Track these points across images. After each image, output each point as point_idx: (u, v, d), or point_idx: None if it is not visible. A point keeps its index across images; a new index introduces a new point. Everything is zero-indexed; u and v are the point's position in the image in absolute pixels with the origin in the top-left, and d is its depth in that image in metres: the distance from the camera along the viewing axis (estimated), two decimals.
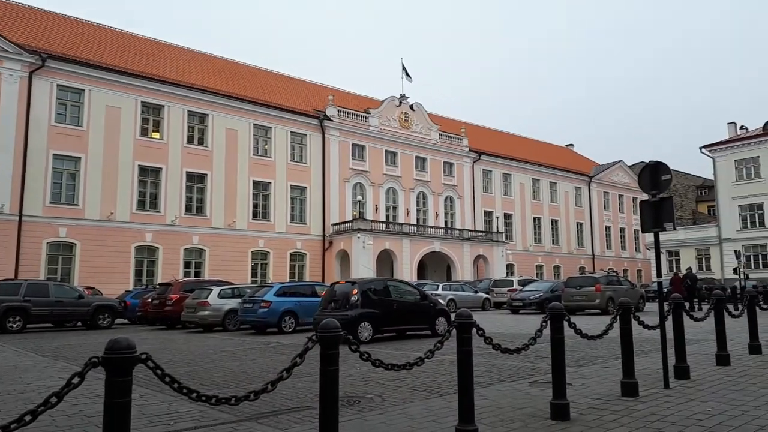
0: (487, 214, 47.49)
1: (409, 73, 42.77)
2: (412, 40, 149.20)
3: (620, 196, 58.58)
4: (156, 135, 31.12)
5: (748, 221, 43.28)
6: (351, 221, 36.11)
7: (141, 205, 30.04)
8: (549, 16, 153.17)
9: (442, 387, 6.49)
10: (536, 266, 50.35)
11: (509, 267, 46.39)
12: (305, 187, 36.93)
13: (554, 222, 52.90)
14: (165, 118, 31.43)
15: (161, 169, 30.91)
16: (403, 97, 42.81)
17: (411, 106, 43.27)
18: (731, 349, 7.76)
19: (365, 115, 40.42)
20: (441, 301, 16.48)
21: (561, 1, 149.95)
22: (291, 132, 36.67)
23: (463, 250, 40.95)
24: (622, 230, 58.75)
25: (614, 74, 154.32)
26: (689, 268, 30.91)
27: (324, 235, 37.07)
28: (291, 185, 36.26)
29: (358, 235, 34.49)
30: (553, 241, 52.47)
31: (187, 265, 31.36)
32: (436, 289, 25.87)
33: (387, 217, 40.15)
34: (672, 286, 24.56)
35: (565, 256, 53.07)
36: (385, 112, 41.69)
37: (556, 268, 51.83)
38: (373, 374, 7.48)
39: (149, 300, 19.79)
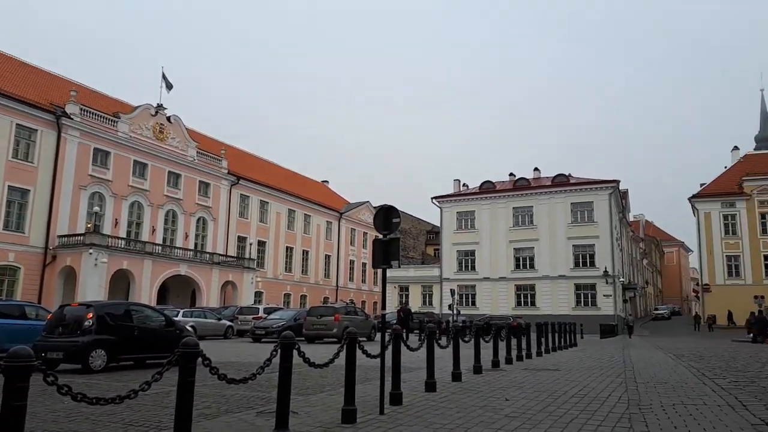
0: (241, 240, 46.83)
1: (170, 83, 40.39)
2: (177, 50, 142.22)
3: (365, 234, 63.22)
4: None
5: (463, 265, 50.42)
6: (83, 234, 32.12)
7: None
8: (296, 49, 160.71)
9: (163, 421, 6.05)
10: (285, 294, 51.08)
11: (258, 294, 46.19)
12: (28, 190, 31.85)
13: (305, 252, 54.56)
14: None
15: None
16: (160, 107, 40.22)
17: (168, 118, 40.85)
18: (439, 377, 8.81)
19: (114, 119, 36.83)
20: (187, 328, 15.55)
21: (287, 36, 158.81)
22: (17, 124, 31.46)
23: (212, 275, 39.55)
24: (364, 264, 63.21)
25: (374, 121, 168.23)
26: (404, 303, 34.74)
27: (47, 248, 32.25)
28: (9, 186, 30.92)
29: (91, 250, 30.82)
30: (303, 270, 53.98)
31: None
32: (176, 316, 24.31)
33: (128, 233, 36.79)
34: (402, 316, 27.36)
35: (313, 285, 54.96)
36: (138, 120, 38.59)
37: (303, 297, 53.30)
38: (85, 409, 6.63)
39: None
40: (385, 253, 6.65)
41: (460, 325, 22.49)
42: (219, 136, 52.44)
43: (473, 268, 49.88)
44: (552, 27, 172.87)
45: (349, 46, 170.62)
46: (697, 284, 59.27)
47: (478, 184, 53.32)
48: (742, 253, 51.07)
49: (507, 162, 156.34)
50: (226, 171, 45.31)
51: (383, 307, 6.85)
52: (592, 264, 45.44)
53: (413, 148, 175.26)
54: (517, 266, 48.30)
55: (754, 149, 61.72)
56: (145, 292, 33.89)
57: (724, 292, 49.90)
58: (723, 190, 52.55)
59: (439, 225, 54.03)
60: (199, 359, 4.09)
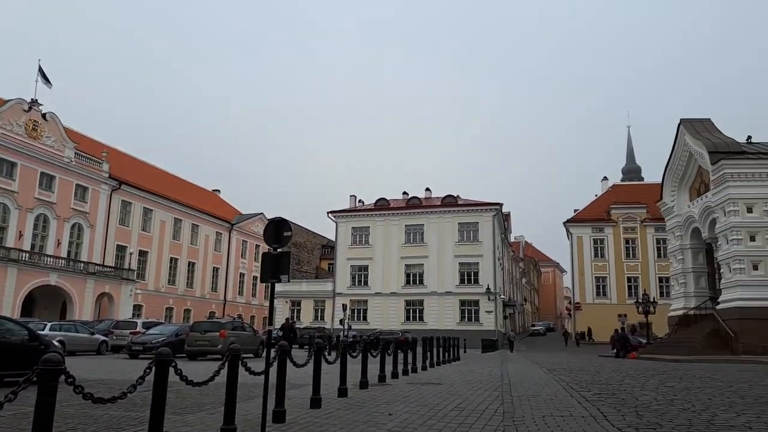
0: (121, 249, 43.96)
1: (48, 79, 37.28)
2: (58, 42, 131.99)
3: (257, 246, 61.76)
4: None
5: (357, 280, 50.75)
6: None
7: None
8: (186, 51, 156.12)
9: None
10: (167, 308, 48.48)
11: (137, 308, 43.48)
12: None
13: (191, 264, 52.24)
14: None
15: None
16: (34, 102, 36.99)
17: (44, 115, 37.67)
18: (325, 392, 8.75)
19: None
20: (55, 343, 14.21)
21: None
22: None
23: (86, 286, 36.72)
24: (255, 278, 61.64)
25: (273, 133, 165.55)
26: (288, 318, 34.40)
27: None
28: None
29: None
30: (188, 283, 51.57)
31: None
32: (42, 329, 22.22)
33: None
34: (282, 333, 27.11)
35: (198, 299, 52.65)
36: (8, 115, 35.25)
37: (188, 311, 50.87)
38: None
39: None
40: (274, 267, 6.53)
41: (350, 340, 22.55)
42: (104, 139, 49.04)
43: (366, 283, 50.35)
44: (437, 57, 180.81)
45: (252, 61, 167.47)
46: (570, 302, 63.97)
47: (374, 201, 54.14)
48: (608, 274, 55.84)
49: (401, 181, 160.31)
50: (107, 175, 42.45)
51: (270, 323, 6.71)
52: (476, 281, 47.56)
53: (311, 164, 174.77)
54: (408, 282, 49.42)
55: (621, 180, 68.06)
56: (7, 303, 30.74)
57: (593, 311, 54.20)
58: (593, 217, 57.34)
59: (334, 240, 54.06)
60: (63, 377, 3.76)
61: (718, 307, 27.15)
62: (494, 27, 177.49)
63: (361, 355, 11.22)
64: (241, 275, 60.06)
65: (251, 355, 22.13)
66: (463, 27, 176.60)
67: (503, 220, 56.07)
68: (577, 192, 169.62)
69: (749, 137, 29.25)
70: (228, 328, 22.05)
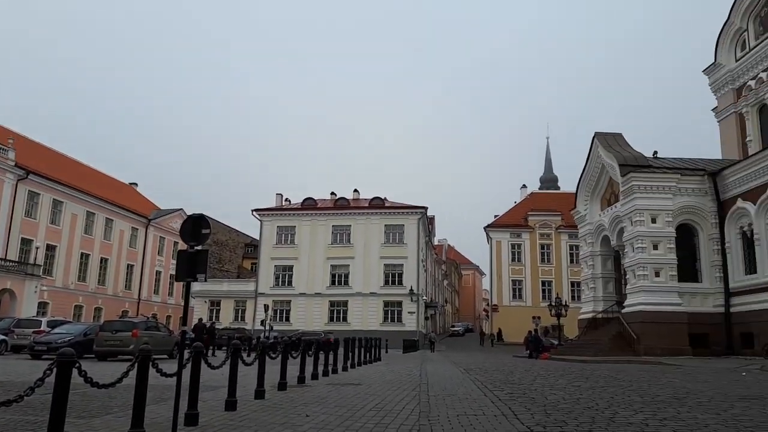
0: (26, 242, 41.12)
1: None
2: None
3: (176, 243, 59.56)
4: None
5: (280, 280, 50.05)
6: None
7: None
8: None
9: None
10: (76, 306, 45.83)
11: (42, 305, 40.83)
12: None
13: (104, 261, 49.67)
14: None
15: None
16: None
17: None
18: (241, 394, 8.57)
19: None
20: None
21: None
22: None
23: None
24: (172, 276, 59.39)
25: (198, 127, 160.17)
26: (201, 319, 33.37)
27: None
28: None
29: None
30: (99, 281, 48.96)
31: None
32: None
33: None
34: (194, 334, 26.39)
35: (111, 297, 50.12)
36: None
37: (98, 309, 48.31)
38: None
39: None
40: (190, 266, 6.32)
41: (271, 341, 22.20)
42: (9, 124, 45.57)
43: (290, 283, 49.75)
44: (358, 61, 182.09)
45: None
46: (488, 304, 66.09)
47: (301, 201, 53.60)
48: (524, 278, 58.15)
49: (329, 181, 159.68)
50: (13, 163, 39.57)
51: (184, 323, 6.49)
52: (400, 282, 48.18)
53: (237, 159, 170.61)
54: (333, 283, 49.29)
55: (539, 188, 71.03)
56: None
57: (509, 312, 56.26)
58: (512, 222, 59.56)
59: (258, 238, 53.02)
60: None
61: (623, 310, 28.88)
62: (425, 32, 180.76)
63: (280, 356, 11.08)
64: (158, 273, 57.72)
65: (165, 357, 21.31)
66: (394, 29, 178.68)
67: (428, 223, 57.13)
68: (498, 198, 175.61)
69: (655, 152, 31.35)
70: (141, 327, 21.13)
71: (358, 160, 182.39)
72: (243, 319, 49.65)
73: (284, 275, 50.09)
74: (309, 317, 48.06)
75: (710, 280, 27.50)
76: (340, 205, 51.98)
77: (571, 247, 55.90)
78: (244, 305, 50.55)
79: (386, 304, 48.19)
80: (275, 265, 50.23)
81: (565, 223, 55.12)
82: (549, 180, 75.09)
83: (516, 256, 58.61)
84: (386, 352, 31.53)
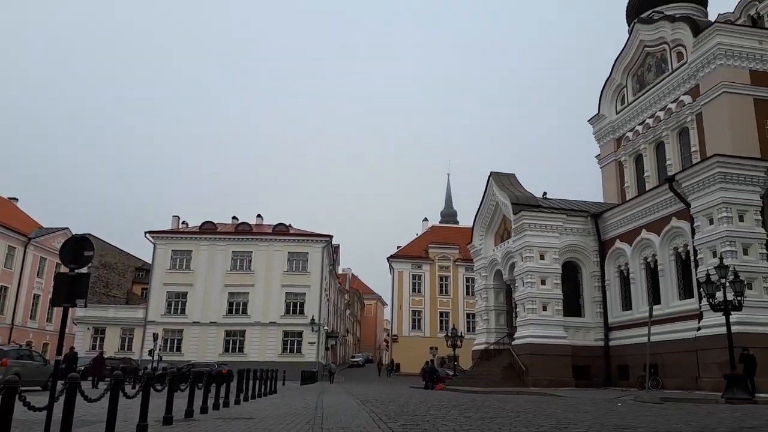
0: None
1: None
2: None
3: (58, 264, 55.10)
4: None
5: (173, 307, 47.61)
6: None
7: None
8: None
9: None
10: None
11: None
12: None
13: None
14: None
15: None
16: None
17: None
18: (123, 429, 8.05)
19: None
20: None
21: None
22: None
23: None
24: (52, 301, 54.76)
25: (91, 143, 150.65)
26: (72, 347, 31.01)
27: None
28: None
29: None
30: None
31: None
32: None
33: None
34: (93, 366, 24.47)
35: None
36: None
37: None
38: None
39: None
40: (70, 290, 5.94)
41: (158, 372, 21.00)
42: None
43: (183, 311, 47.44)
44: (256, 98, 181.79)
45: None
46: (389, 334, 66.67)
47: (200, 224, 51.67)
48: (424, 308, 59.42)
49: (231, 205, 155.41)
50: None
51: (59, 352, 6.05)
52: (302, 312, 47.44)
53: (132, 179, 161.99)
54: (230, 311, 47.59)
55: (440, 222, 73.48)
56: None
57: (409, 343, 57.05)
58: (413, 254, 60.96)
59: (151, 262, 50.29)
60: None
61: (513, 342, 30.23)
62: (334, 60, 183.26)
63: (167, 388, 10.53)
64: (36, 297, 53.00)
65: (39, 388, 19.52)
66: (297, 56, 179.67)
67: (333, 251, 57.02)
68: (402, 230, 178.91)
69: (545, 193, 33.55)
70: (12, 356, 19.27)
71: (264, 185, 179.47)
72: (130, 348, 46.51)
73: (177, 302, 47.72)
74: (202, 347, 45.95)
75: (592, 315, 29.52)
76: (241, 230, 50.67)
77: (467, 280, 57.90)
78: (131, 333, 47.43)
79: (286, 334, 47.16)
80: (168, 291, 47.77)
81: (462, 256, 57.13)
82: (449, 214, 77.90)
83: (417, 287, 59.81)
84: (283, 384, 30.76)
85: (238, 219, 53.17)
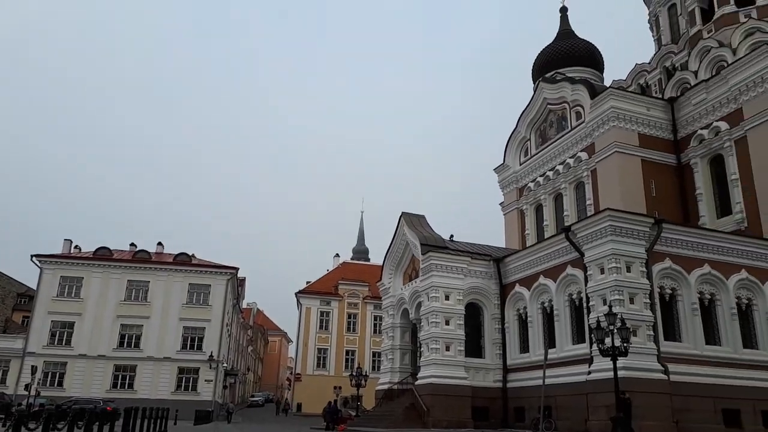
0: None
1: None
2: None
3: None
4: None
5: (57, 338, 43.94)
6: None
7: None
8: None
9: None
10: None
11: None
12: None
13: None
14: None
15: None
16: None
17: None
18: None
19: None
20: None
21: None
22: None
23: None
24: None
25: None
26: None
27: None
28: None
29: None
30: None
31: None
32: None
33: None
34: None
35: None
36: None
37: None
38: None
39: None
40: None
41: (34, 408, 19.15)
42: None
43: (69, 342, 43.82)
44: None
45: None
46: (291, 373, 65.00)
47: (93, 249, 48.43)
48: (330, 346, 58.64)
49: (130, 232, 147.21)
50: None
51: None
52: (200, 348, 45.26)
53: (21, 198, 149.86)
54: (122, 344, 44.53)
55: (351, 258, 73.53)
56: None
57: (312, 382, 55.87)
58: (323, 290, 60.42)
59: (35, 288, 46.26)
60: None
61: (416, 383, 30.35)
62: (248, 97, 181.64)
63: (41, 427, 9.60)
64: None
65: None
66: (213, 94, 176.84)
67: (237, 284, 55.19)
68: (313, 265, 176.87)
69: (452, 236, 34.52)
70: None
71: (167, 215, 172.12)
72: (4, 382, 42.13)
73: (63, 333, 44.02)
74: (88, 382, 42.45)
75: (492, 357, 30.30)
76: (139, 258, 47.96)
77: (375, 318, 57.93)
78: (7, 365, 43.01)
79: (181, 370, 44.64)
80: (53, 321, 44.04)
81: (371, 294, 57.25)
82: (360, 251, 78.20)
83: (324, 324, 58.99)
84: (175, 423, 28.95)
85: (136, 246, 50.40)
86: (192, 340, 45.51)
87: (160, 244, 51.75)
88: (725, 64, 30.11)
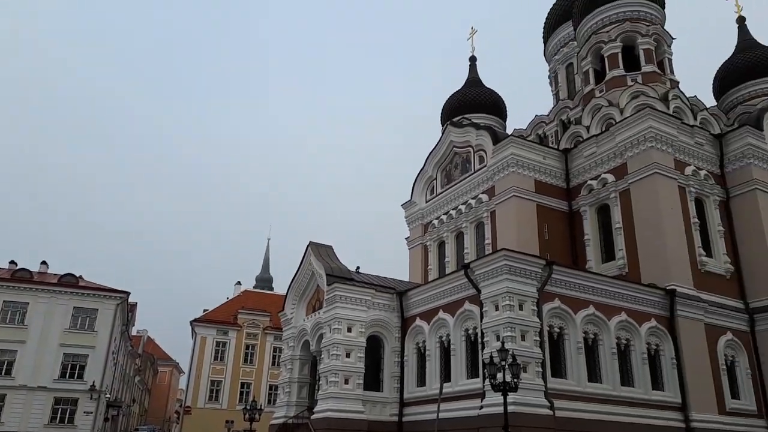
0: None
1: None
2: None
3: None
4: None
5: None
6: None
7: None
8: None
9: None
10: None
11: None
12: None
13: None
14: None
15: None
16: None
17: None
18: None
19: None
20: None
21: None
22: None
23: None
24: None
25: None
26: None
27: None
28: None
29: None
30: None
31: None
32: None
33: None
34: None
35: None
36: None
37: None
38: None
39: None
40: None
41: None
42: None
43: None
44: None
45: None
46: (181, 405, 61.52)
47: None
48: (224, 378, 56.25)
49: (11, 250, 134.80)
50: None
51: None
52: (81, 377, 41.95)
53: None
54: None
55: (254, 287, 71.55)
56: None
57: (203, 415, 53.13)
58: (220, 319, 58.19)
59: None
60: None
61: (312, 417, 29.71)
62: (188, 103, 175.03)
63: None
64: None
65: None
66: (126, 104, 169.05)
67: (128, 310, 51.91)
68: (215, 292, 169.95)
69: (358, 267, 34.69)
70: None
71: (53, 234, 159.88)
72: None
73: None
74: None
75: (390, 390, 30.34)
76: (19, 277, 44.02)
77: (275, 349, 56.44)
78: None
79: (57, 401, 40.98)
80: None
81: (272, 324, 55.85)
82: (264, 280, 76.32)
83: (219, 355, 56.59)
84: None
85: (17, 264, 46.32)
86: (72, 367, 42.08)
87: (44, 263, 47.90)
88: (613, 122, 32.93)
